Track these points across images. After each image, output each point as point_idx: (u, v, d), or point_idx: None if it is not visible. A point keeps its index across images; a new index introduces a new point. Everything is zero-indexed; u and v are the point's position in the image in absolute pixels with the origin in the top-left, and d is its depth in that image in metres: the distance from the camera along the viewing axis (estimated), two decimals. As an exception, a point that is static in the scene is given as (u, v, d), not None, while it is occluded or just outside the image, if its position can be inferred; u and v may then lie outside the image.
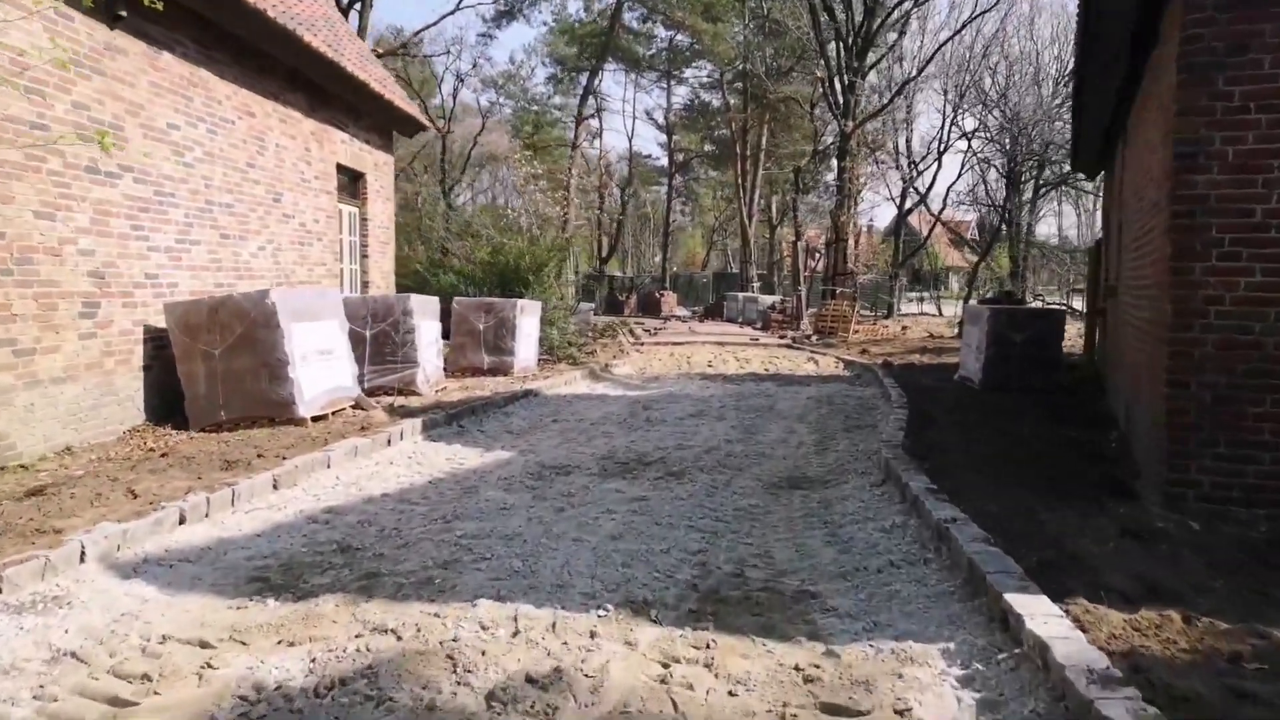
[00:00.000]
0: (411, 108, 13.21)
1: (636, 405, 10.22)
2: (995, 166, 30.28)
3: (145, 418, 7.25)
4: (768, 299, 31.34)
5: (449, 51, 39.34)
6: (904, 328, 25.67)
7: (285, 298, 7.15)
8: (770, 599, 3.80)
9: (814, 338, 22.15)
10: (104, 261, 6.77)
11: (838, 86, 23.25)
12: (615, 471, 6.44)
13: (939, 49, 24.55)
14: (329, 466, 6.12)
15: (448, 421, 8.23)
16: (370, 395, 9.26)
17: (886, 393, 10.95)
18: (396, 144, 14.23)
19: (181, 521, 4.68)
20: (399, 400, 9.04)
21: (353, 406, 8.08)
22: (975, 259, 30.46)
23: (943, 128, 32.72)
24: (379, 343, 9.37)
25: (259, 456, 6.06)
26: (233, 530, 4.70)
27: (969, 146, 33.37)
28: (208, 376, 7.09)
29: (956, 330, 21.45)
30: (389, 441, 7.06)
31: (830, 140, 30.68)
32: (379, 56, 27.74)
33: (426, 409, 8.56)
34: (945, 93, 31.66)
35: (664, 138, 44.96)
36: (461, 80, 34.84)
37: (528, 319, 12.41)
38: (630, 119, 60.84)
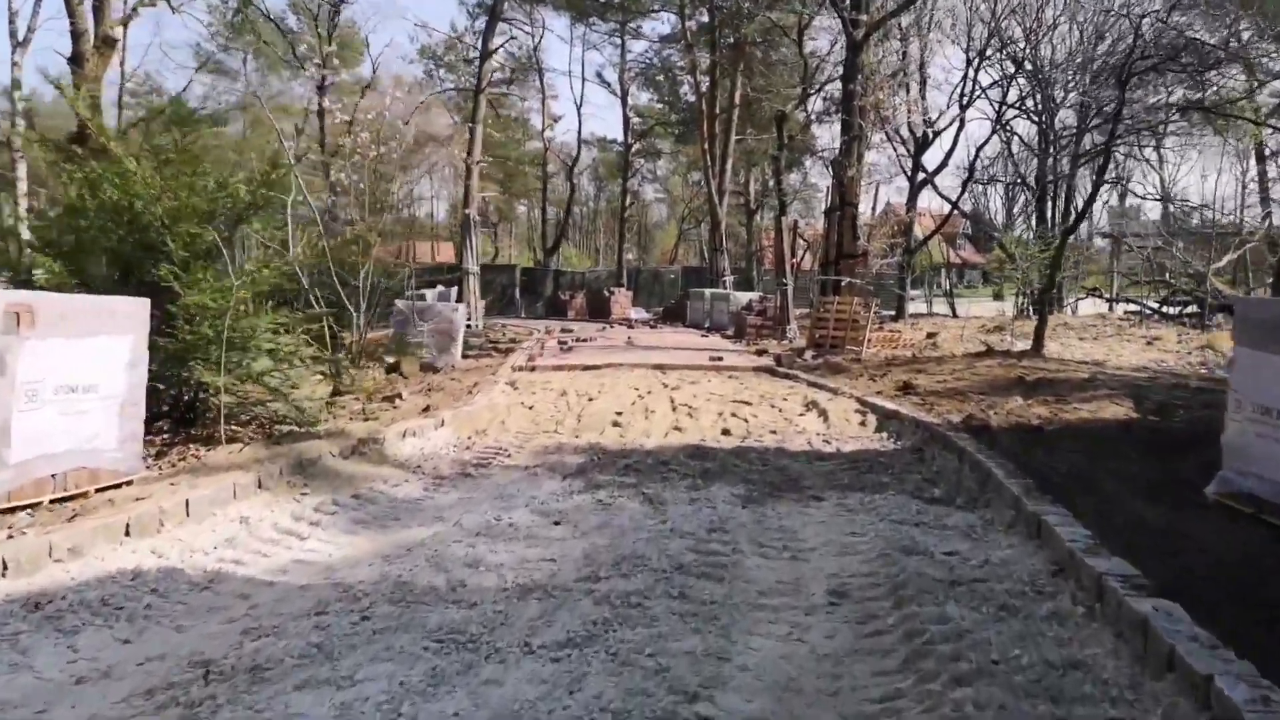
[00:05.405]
0: None
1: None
2: (1019, 135, 22.84)
3: None
4: (743, 296, 23.50)
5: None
6: (929, 335, 17.70)
7: None
8: None
9: (809, 354, 14.35)
10: None
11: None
12: None
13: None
14: None
15: None
16: None
17: (1083, 580, 3.24)
18: None
19: None
20: None
21: None
22: (1004, 248, 22.93)
23: (964, 79, 25.18)
24: None
25: None
26: None
27: (999, 106, 25.93)
28: None
29: (1031, 343, 13.76)
30: None
31: (828, 75, 22.88)
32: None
33: None
34: (968, 35, 24.23)
35: (621, 113, 36.97)
36: (337, 8, 26.64)
37: (39, 346, 4.49)
38: (580, 81, 52.20)
